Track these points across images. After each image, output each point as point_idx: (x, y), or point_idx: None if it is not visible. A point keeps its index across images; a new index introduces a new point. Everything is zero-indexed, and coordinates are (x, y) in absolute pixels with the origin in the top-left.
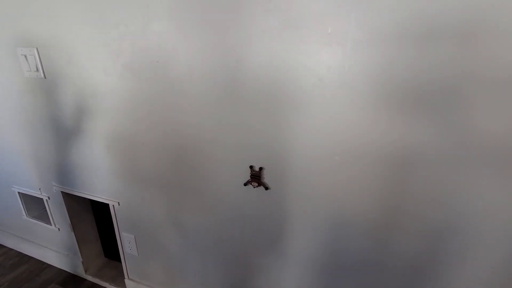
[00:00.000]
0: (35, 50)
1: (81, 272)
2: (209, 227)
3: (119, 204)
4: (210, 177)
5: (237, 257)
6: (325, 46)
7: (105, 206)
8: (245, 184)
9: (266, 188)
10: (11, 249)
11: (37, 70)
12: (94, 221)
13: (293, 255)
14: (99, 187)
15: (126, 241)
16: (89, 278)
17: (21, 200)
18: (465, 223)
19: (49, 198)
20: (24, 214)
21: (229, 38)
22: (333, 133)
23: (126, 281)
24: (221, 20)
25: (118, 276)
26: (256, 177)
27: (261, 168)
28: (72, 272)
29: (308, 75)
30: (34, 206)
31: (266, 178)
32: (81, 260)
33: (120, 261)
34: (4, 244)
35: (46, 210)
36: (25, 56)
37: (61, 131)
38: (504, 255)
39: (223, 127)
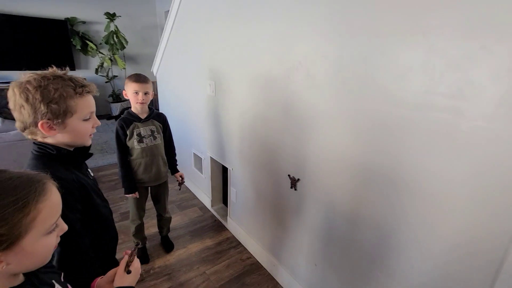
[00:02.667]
0: (214, 82)
1: (208, 205)
2: (269, 196)
3: (232, 170)
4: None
5: (273, 217)
6: None
7: (226, 169)
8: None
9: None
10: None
11: (213, 92)
12: (221, 177)
13: (308, 225)
14: (227, 158)
15: (232, 193)
16: (212, 210)
17: (193, 157)
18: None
19: (203, 159)
20: (193, 165)
21: None
22: (335, 150)
23: (228, 218)
24: None
25: (225, 215)
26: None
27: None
28: (205, 205)
29: None
30: (197, 161)
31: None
32: (211, 198)
33: (227, 205)
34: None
35: (201, 165)
36: (209, 85)
37: (218, 122)
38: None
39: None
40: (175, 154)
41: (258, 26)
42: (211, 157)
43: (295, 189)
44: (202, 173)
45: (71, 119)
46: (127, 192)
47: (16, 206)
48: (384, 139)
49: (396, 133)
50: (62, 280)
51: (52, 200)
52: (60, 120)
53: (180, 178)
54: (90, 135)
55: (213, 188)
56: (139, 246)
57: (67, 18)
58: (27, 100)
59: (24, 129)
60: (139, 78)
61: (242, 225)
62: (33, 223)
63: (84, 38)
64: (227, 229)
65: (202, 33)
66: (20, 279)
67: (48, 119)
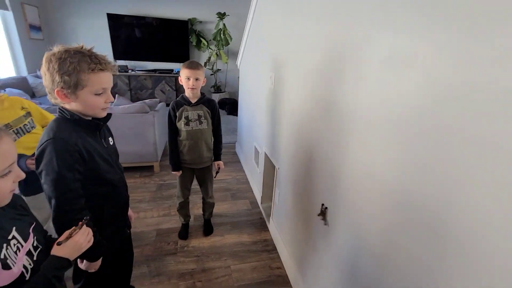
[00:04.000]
0: (274, 74)
1: (259, 201)
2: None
3: (279, 169)
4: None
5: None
6: None
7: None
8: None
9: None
10: (245, 175)
11: (272, 84)
12: (274, 176)
13: (333, 254)
14: (275, 155)
15: (276, 193)
16: (260, 207)
17: (254, 151)
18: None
19: (260, 153)
20: (253, 158)
21: None
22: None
23: (270, 219)
24: None
25: (270, 215)
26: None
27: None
28: (256, 200)
29: None
30: (256, 155)
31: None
32: (261, 195)
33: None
34: (244, 170)
35: (258, 159)
36: (270, 77)
37: (273, 118)
38: None
39: None
40: (220, 142)
41: (316, 22)
42: (265, 153)
43: (324, 220)
44: (258, 167)
45: (82, 91)
46: (172, 169)
47: None
48: (440, 162)
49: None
50: (39, 232)
51: (2, 147)
52: (70, 91)
53: (217, 167)
54: (104, 108)
55: (265, 185)
56: (87, 220)
57: (189, 19)
58: (48, 69)
59: (49, 93)
60: (191, 65)
61: (281, 230)
62: None
63: (199, 36)
64: (269, 231)
65: (271, 24)
66: None
67: (62, 88)
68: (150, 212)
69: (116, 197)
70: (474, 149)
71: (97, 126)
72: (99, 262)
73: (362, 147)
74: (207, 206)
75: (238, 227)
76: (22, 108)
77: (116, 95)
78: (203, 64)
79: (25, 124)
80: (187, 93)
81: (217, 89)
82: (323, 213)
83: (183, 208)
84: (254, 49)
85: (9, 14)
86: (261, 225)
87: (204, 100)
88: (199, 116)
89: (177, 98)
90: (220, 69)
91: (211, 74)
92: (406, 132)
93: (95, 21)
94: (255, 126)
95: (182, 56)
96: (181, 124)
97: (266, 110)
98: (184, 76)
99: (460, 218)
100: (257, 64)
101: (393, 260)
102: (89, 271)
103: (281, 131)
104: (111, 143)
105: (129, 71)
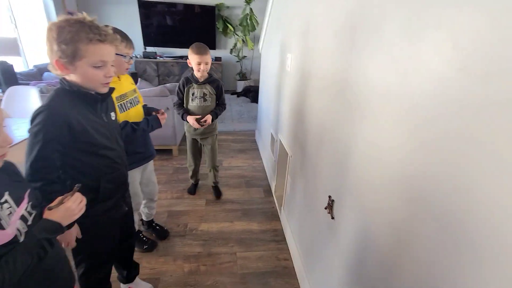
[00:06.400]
0: (291, 55)
1: (272, 189)
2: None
3: (291, 157)
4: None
5: (305, 214)
6: None
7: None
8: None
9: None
10: (262, 163)
11: (289, 67)
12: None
13: (340, 250)
14: (288, 142)
15: (288, 182)
16: (274, 196)
17: (270, 138)
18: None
19: (276, 140)
20: (269, 146)
21: None
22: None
23: (281, 209)
24: None
25: (281, 204)
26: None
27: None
28: (271, 189)
29: None
30: (272, 142)
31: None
32: (275, 183)
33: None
34: (261, 158)
35: (274, 147)
36: (287, 58)
37: (288, 103)
38: None
39: None
40: (221, 106)
41: None
42: (280, 140)
43: (331, 214)
44: (273, 155)
45: (81, 62)
46: (184, 120)
47: None
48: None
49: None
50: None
51: None
52: (68, 61)
53: (204, 119)
54: (105, 84)
55: (279, 173)
56: (79, 187)
57: (216, 4)
58: (48, 38)
59: (50, 64)
60: (200, 51)
61: (290, 221)
62: None
63: (226, 22)
64: (279, 221)
65: (289, 2)
66: None
67: (60, 57)
68: (164, 194)
69: (113, 173)
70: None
71: (95, 100)
72: (74, 234)
73: (373, 130)
74: (212, 175)
75: (249, 215)
76: (132, 83)
77: (139, 79)
78: (229, 51)
79: (135, 96)
80: (196, 73)
81: (242, 76)
82: (330, 206)
83: (194, 175)
84: (274, 31)
85: (50, 2)
86: (273, 215)
87: (210, 80)
88: (204, 94)
89: (188, 76)
90: (246, 56)
91: (237, 61)
92: (423, 112)
93: (128, 8)
94: (272, 112)
95: (209, 42)
96: (188, 99)
97: (283, 94)
98: (195, 62)
99: (480, 216)
100: (276, 46)
101: (403, 257)
102: (68, 247)
103: (295, 116)
104: (113, 118)
105: (158, 57)
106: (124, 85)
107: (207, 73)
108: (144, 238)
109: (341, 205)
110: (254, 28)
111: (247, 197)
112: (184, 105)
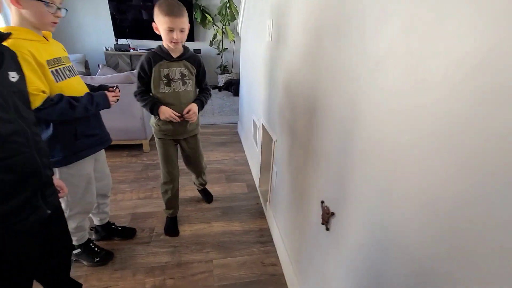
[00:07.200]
0: (272, 21)
1: (256, 183)
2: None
3: (276, 141)
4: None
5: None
6: None
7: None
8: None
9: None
10: (245, 155)
11: (270, 36)
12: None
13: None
14: (272, 124)
15: (274, 173)
16: (258, 191)
17: (252, 125)
18: None
19: (258, 126)
20: (252, 134)
21: None
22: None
23: (267, 205)
24: None
25: (267, 200)
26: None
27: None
28: (255, 183)
29: None
30: (254, 130)
31: None
32: (259, 177)
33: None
34: (244, 151)
35: (256, 134)
36: (267, 26)
37: (270, 80)
38: None
39: None
40: (205, 91)
41: None
42: (262, 125)
43: (327, 227)
44: (256, 144)
45: None
46: (156, 113)
47: None
48: None
49: None
50: None
51: None
52: None
53: (188, 110)
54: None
55: (263, 164)
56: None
57: None
58: None
59: None
60: (173, 11)
61: (277, 218)
62: None
63: (204, 12)
64: (265, 218)
65: None
66: None
67: None
68: (129, 194)
69: (11, 157)
70: None
71: None
72: None
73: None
74: (201, 180)
75: (230, 214)
76: (64, 50)
77: (100, 65)
78: (209, 44)
79: (72, 65)
80: (168, 45)
81: (224, 69)
82: (327, 216)
83: (174, 199)
84: (253, 11)
85: None
86: (257, 212)
87: (188, 56)
88: (183, 75)
89: (153, 49)
90: (227, 48)
91: (217, 54)
92: (445, 102)
93: None
94: (253, 97)
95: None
96: (159, 84)
97: (263, 72)
98: (165, 26)
99: None
100: (255, 17)
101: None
102: None
103: (281, 92)
104: (14, 80)
105: (131, 50)
106: (55, 48)
107: (182, 46)
108: (96, 249)
109: (338, 218)
110: (234, 18)
111: (227, 193)
112: (153, 92)
